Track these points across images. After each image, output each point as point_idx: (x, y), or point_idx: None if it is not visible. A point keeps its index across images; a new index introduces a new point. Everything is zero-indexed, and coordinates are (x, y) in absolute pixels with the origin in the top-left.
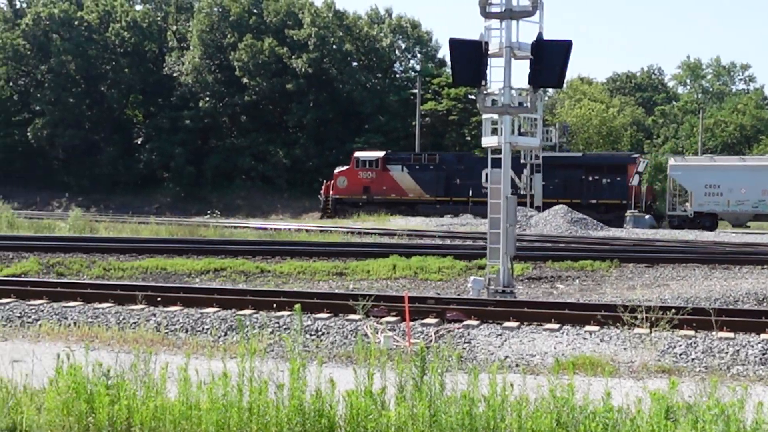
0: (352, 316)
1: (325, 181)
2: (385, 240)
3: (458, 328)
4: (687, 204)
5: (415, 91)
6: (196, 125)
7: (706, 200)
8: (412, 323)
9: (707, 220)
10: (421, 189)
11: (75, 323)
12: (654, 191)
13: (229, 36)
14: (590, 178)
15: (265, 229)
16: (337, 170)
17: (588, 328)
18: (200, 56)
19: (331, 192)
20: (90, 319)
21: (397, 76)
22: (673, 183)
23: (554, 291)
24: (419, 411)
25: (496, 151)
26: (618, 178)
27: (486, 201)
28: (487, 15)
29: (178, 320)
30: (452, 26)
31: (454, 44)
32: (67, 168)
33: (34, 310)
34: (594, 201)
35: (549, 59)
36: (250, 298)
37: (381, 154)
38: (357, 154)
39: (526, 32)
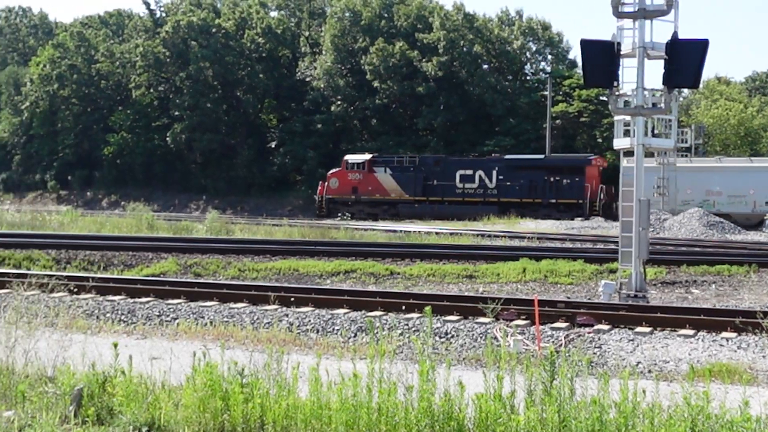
0: (481, 319)
1: (320, 182)
2: (515, 243)
3: (589, 333)
4: None
5: (546, 93)
6: (328, 129)
7: (657, 200)
8: (541, 327)
9: None
10: (402, 189)
11: (211, 322)
12: (613, 191)
13: (360, 40)
14: (552, 179)
15: (395, 231)
16: (329, 172)
17: (725, 334)
18: (332, 61)
19: (324, 192)
20: (225, 319)
21: (528, 78)
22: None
23: (689, 296)
24: (548, 416)
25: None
26: (576, 179)
27: (458, 201)
28: (619, 15)
29: (310, 321)
30: (583, 27)
31: (586, 45)
32: (204, 171)
33: (172, 309)
34: (554, 200)
35: (684, 59)
36: (380, 299)
37: (368, 157)
38: (347, 157)
39: (660, 32)
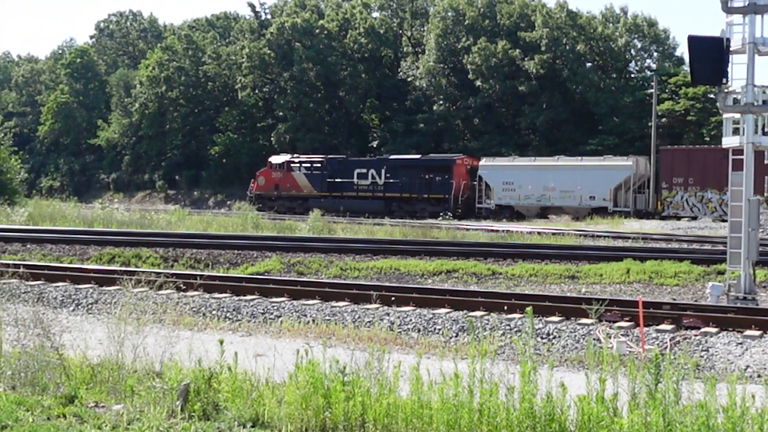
0: (584, 320)
1: (252, 180)
2: (619, 243)
3: (695, 336)
4: (490, 198)
5: (651, 91)
6: (430, 128)
7: (504, 195)
8: (646, 329)
9: (507, 212)
10: (312, 186)
11: (313, 320)
12: (471, 187)
13: (463, 39)
14: (426, 177)
15: (497, 231)
16: (258, 171)
17: None
18: (434, 60)
19: (254, 189)
20: (327, 317)
21: (632, 76)
22: (481, 180)
23: None
24: (653, 419)
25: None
26: (446, 176)
27: (354, 196)
28: (728, 10)
29: (411, 320)
30: (691, 23)
31: (694, 42)
32: None
33: (275, 307)
34: (426, 195)
35: None
36: (482, 299)
37: (287, 158)
38: (270, 158)
39: None
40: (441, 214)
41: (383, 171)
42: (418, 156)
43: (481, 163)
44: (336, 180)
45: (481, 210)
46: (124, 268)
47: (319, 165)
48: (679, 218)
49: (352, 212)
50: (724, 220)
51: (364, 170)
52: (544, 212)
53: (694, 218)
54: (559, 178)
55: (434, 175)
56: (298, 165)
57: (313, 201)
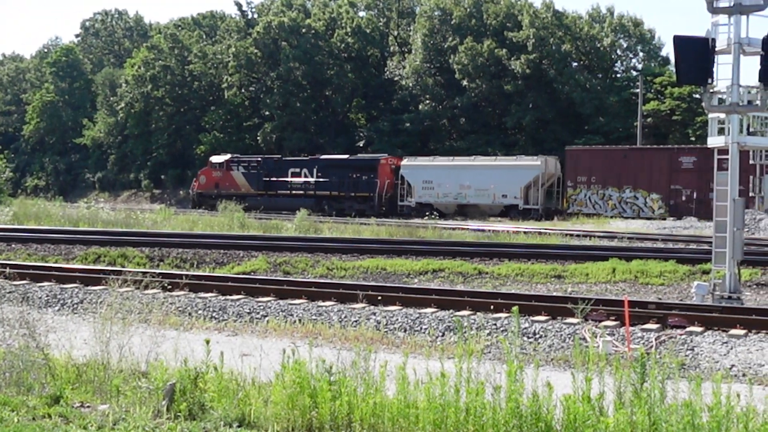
0: (570, 320)
1: (194, 179)
2: (605, 243)
3: (680, 335)
4: (411, 196)
5: (637, 90)
6: (416, 128)
7: (424, 193)
8: (631, 328)
9: (426, 210)
10: (249, 185)
11: (300, 320)
12: (395, 186)
13: (450, 39)
14: (354, 176)
15: (483, 230)
16: (200, 170)
17: None
18: (421, 60)
19: (196, 187)
20: (314, 317)
21: (618, 75)
22: (403, 179)
23: None
24: (638, 418)
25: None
26: (371, 176)
27: (288, 194)
28: (714, 10)
29: (397, 319)
30: (676, 23)
31: (679, 42)
32: None
33: (262, 307)
34: (353, 194)
35: None
36: (468, 299)
37: (227, 157)
38: (211, 158)
39: (756, 27)
40: (367, 212)
41: (315, 170)
42: (346, 156)
43: (402, 163)
44: (272, 179)
45: (403, 208)
46: (109, 268)
47: (255, 164)
48: (578, 215)
49: (285, 210)
50: (630, 217)
51: (297, 170)
52: (461, 210)
53: (597, 215)
54: (474, 178)
55: (361, 174)
56: (236, 164)
57: (251, 199)
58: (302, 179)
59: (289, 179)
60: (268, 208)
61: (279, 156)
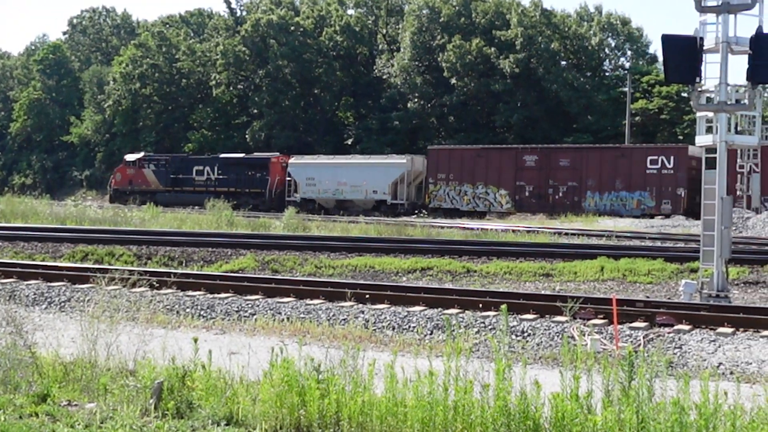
0: (558, 318)
1: (111, 176)
2: (593, 241)
3: (668, 333)
4: (297, 192)
5: (625, 89)
6: (405, 126)
7: (307, 189)
8: (619, 326)
9: (310, 205)
10: (159, 182)
11: (288, 318)
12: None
13: (438, 37)
14: (249, 173)
15: (472, 228)
16: (116, 168)
17: None
18: (409, 58)
19: (113, 184)
20: (302, 315)
21: (606, 74)
22: (290, 177)
23: None
24: (626, 416)
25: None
26: (264, 173)
27: (193, 190)
28: (702, 9)
29: (386, 318)
30: (664, 21)
31: (667, 41)
32: None
33: (250, 305)
34: (248, 190)
35: None
36: (457, 297)
37: (140, 156)
38: (126, 156)
39: (743, 26)
40: (259, 206)
41: (216, 168)
42: (243, 155)
43: (290, 161)
44: (178, 176)
45: (290, 203)
46: (97, 266)
47: (164, 162)
48: (441, 209)
49: (190, 205)
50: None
51: (201, 167)
52: (340, 204)
53: (456, 210)
54: (350, 175)
55: (255, 172)
56: (148, 162)
57: (160, 195)
58: (205, 177)
59: (193, 177)
60: (175, 204)
61: (185, 154)
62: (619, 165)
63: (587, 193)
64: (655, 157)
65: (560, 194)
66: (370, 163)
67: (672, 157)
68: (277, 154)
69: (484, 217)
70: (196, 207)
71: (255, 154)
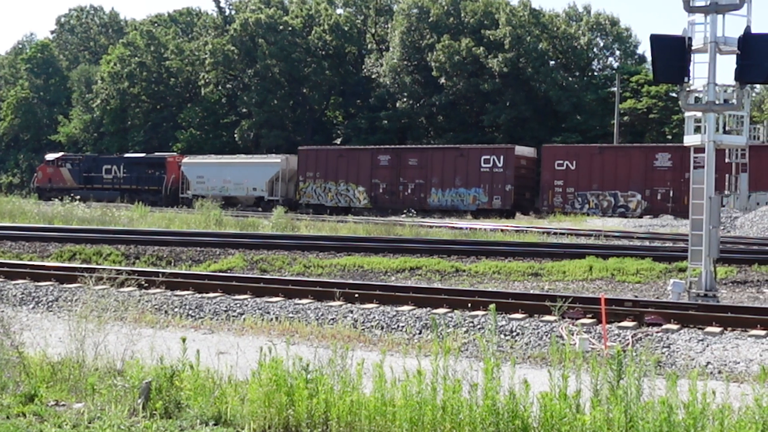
0: (547, 317)
1: (34, 174)
2: (582, 241)
3: (657, 332)
4: (189, 190)
5: (614, 89)
6: (394, 125)
7: (198, 187)
8: (608, 326)
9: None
10: (74, 180)
11: (276, 318)
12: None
13: (427, 37)
14: (149, 172)
15: (461, 228)
16: (38, 166)
17: None
18: (398, 57)
19: (36, 182)
20: (291, 315)
21: (595, 74)
22: (183, 175)
23: (760, 296)
24: (615, 416)
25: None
26: (161, 172)
27: (101, 188)
28: (691, 9)
29: (374, 317)
30: (653, 22)
31: (656, 40)
32: None
33: (238, 305)
34: (147, 187)
35: (757, 54)
36: (445, 297)
37: (59, 155)
38: (46, 156)
39: (732, 26)
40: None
41: (122, 167)
42: (143, 155)
43: (183, 161)
44: (90, 174)
45: (184, 199)
46: (85, 266)
47: (78, 162)
48: (309, 205)
49: (101, 201)
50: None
51: (109, 166)
52: (226, 201)
53: (322, 206)
54: (233, 173)
55: (154, 170)
56: (65, 162)
57: (75, 192)
58: (112, 175)
59: (102, 175)
60: (87, 200)
61: (96, 155)
62: (458, 164)
63: (431, 190)
64: (488, 157)
65: (409, 191)
66: (250, 163)
67: (502, 157)
68: (174, 154)
69: (348, 214)
70: (110, 203)
71: (155, 154)
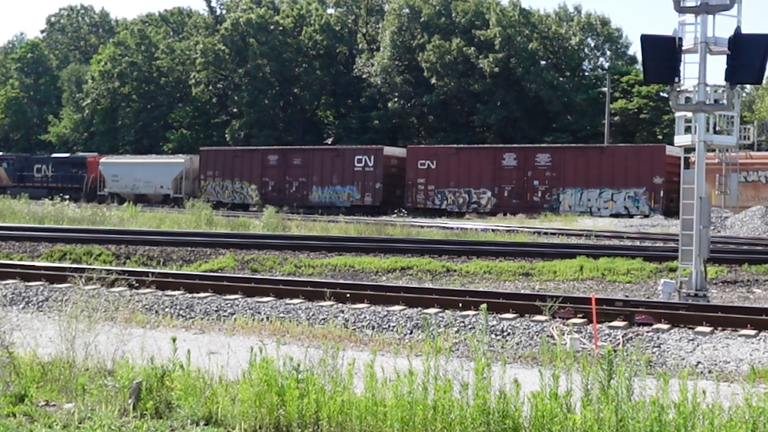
0: (537, 317)
1: None
2: (573, 240)
3: (647, 332)
4: (105, 187)
5: (604, 89)
6: (385, 125)
7: (113, 185)
8: (599, 326)
9: (116, 198)
10: (9, 178)
11: (267, 318)
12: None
13: (418, 37)
14: (73, 171)
15: (452, 228)
16: None
17: None
18: (389, 57)
19: None
20: (281, 314)
21: (586, 74)
22: (101, 174)
23: (750, 295)
24: (605, 415)
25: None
26: (82, 171)
27: (33, 186)
28: (681, 10)
29: (365, 317)
30: (644, 22)
31: (646, 41)
32: None
33: (229, 305)
34: (70, 185)
35: (747, 55)
36: (436, 296)
37: None
38: None
39: (722, 26)
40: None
41: (50, 166)
42: (68, 155)
43: (100, 160)
44: (23, 173)
45: (101, 197)
46: (75, 265)
47: (12, 161)
48: (209, 201)
49: (33, 198)
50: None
51: (40, 166)
52: (137, 198)
53: (220, 202)
54: (143, 172)
55: (77, 169)
56: (2, 161)
57: (10, 190)
58: (42, 174)
59: (34, 174)
60: (18, 196)
61: (28, 155)
62: (335, 164)
63: (313, 188)
64: (361, 157)
65: (294, 188)
66: (157, 162)
67: (372, 157)
68: (95, 154)
69: (248, 209)
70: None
71: (78, 154)
